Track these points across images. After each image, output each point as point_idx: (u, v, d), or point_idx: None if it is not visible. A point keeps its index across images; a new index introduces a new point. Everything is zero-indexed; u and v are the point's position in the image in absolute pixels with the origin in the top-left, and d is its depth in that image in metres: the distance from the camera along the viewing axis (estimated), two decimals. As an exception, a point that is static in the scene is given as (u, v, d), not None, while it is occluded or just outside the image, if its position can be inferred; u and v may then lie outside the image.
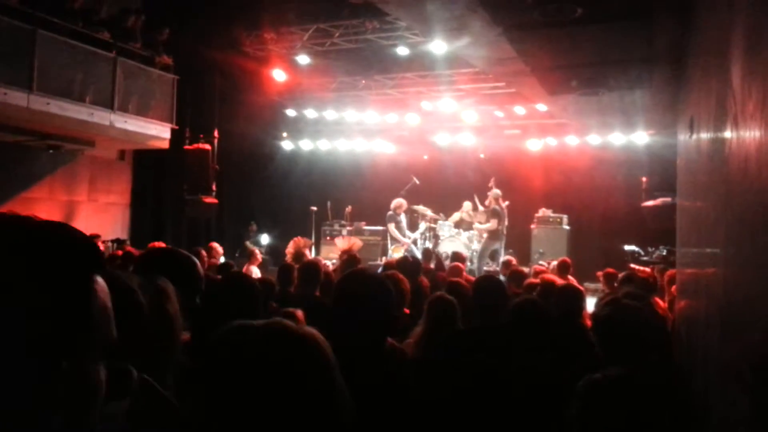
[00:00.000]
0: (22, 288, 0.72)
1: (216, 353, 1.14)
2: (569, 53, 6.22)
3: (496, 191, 12.31)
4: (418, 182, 13.50)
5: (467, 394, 2.80)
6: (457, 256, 8.68)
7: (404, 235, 12.55)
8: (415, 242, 12.75)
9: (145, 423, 0.89)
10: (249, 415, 1.06)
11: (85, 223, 12.01)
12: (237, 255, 12.76)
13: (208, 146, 13.07)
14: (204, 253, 7.11)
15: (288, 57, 13.12)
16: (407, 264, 6.29)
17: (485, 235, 12.21)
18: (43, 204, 11.75)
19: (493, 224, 11.99)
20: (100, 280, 0.80)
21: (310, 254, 10.82)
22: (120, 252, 6.46)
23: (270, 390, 1.07)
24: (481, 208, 13.26)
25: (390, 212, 12.54)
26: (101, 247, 8.87)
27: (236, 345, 1.13)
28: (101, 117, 10.77)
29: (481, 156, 15.69)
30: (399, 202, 12.57)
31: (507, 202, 12.50)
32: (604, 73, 6.59)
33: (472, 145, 15.88)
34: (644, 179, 12.18)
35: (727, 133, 2.50)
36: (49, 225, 0.79)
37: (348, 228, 14.44)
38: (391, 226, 12.54)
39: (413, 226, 13.19)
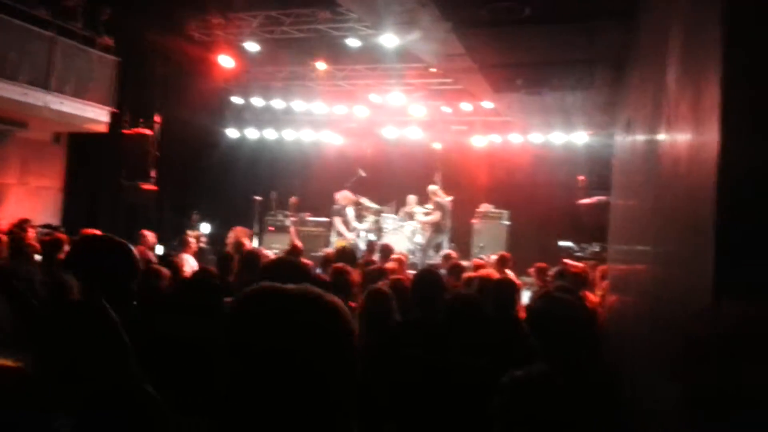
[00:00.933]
0: None
1: (246, 314, 1.12)
2: (515, 52, 6.32)
3: (433, 186, 12.50)
4: (364, 174, 13.47)
5: (403, 388, 2.82)
6: (388, 249, 8.43)
7: (350, 228, 12.51)
8: (358, 234, 12.74)
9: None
10: (276, 378, 1.05)
11: (15, 207, 11.49)
12: (176, 244, 12.43)
13: (148, 131, 12.67)
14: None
15: (236, 43, 12.83)
16: (344, 255, 6.28)
17: (429, 228, 12.33)
18: (-31, 186, 11.18)
19: (436, 216, 12.12)
20: None
21: (251, 244, 10.66)
22: (47, 238, 6.18)
23: (300, 354, 1.06)
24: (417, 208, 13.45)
25: (336, 206, 12.47)
26: (32, 232, 8.49)
27: (269, 308, 1.11)
28: (35, 97, 10.32)
29: (437, 146, 15.84)
30: (344, 194, 12.52)
31: (451, 197, 12.64)
32: (548, 73, 6.72)
33: (419, 139, 15.98)
34: (581, 178, 12.51)
35: (661, 135, 2.58)
36: None
37: (292, 219, 14.28)
38: (337, 220, 12.47)
39: (359, 219, 13.16)
